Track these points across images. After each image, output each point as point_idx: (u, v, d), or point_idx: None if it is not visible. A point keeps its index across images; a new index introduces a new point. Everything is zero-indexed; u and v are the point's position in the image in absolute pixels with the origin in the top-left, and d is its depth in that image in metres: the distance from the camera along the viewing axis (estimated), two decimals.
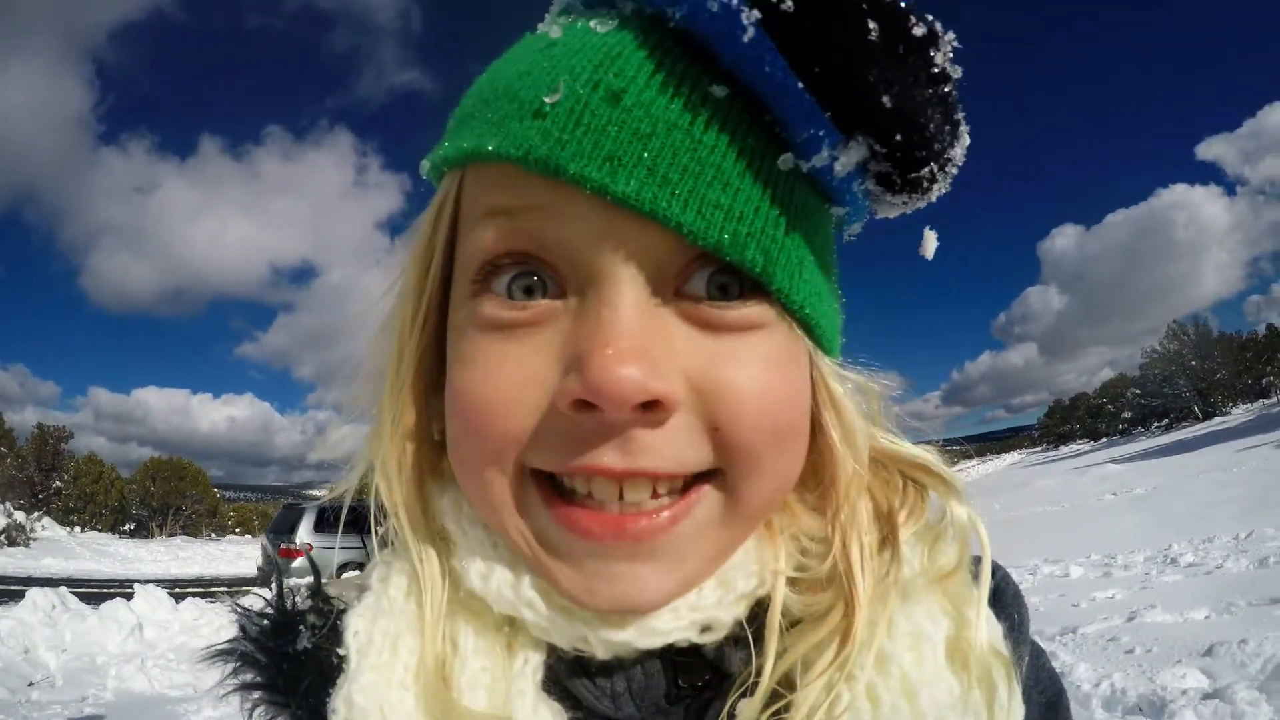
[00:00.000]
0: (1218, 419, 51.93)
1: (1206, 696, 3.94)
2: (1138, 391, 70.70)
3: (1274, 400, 54.55)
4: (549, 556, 0.45)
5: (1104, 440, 70.15)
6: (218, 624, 9.77)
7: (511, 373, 0.43)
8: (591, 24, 0.44)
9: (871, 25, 0.38)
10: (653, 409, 0.41)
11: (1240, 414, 50.56)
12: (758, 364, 0.44)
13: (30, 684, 7.63)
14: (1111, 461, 29.50)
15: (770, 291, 0.44)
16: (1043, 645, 0.62)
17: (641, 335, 0.41)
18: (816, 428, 0.50)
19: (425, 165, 0.50)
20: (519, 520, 0.46)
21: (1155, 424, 66.49)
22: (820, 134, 0.41)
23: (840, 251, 0.52)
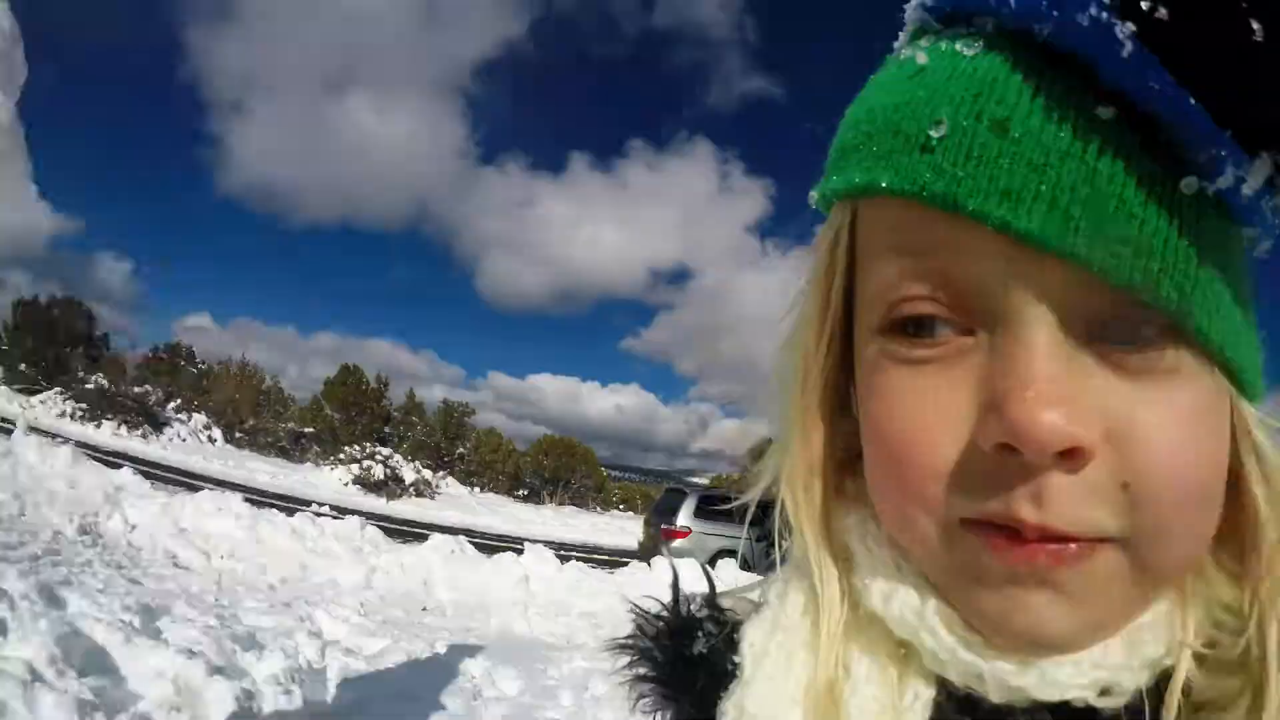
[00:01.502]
0: None
1: None
2: None
3: None
4: (968, 584, 0.43)
5: None
6: (598, 588, 9.66)
7: (929, 408, 0.43)
8: (957, 46, 0.42)
9: (1255, 26, 0.34)
10: (1070, 456, 0.39)
11: None
12: (1176, 415, 0.40)
13: (424, 609, 7.93)
14: None
15: (1187, 332, 0.40)
16: None
17: (1060, 378, 0.39)
18: (1239, 484, 0.45)
19: (814, 196, 0.51)
20: (942, 553, 0.44)
21: None
22: (1223, 154, 0.37)
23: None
